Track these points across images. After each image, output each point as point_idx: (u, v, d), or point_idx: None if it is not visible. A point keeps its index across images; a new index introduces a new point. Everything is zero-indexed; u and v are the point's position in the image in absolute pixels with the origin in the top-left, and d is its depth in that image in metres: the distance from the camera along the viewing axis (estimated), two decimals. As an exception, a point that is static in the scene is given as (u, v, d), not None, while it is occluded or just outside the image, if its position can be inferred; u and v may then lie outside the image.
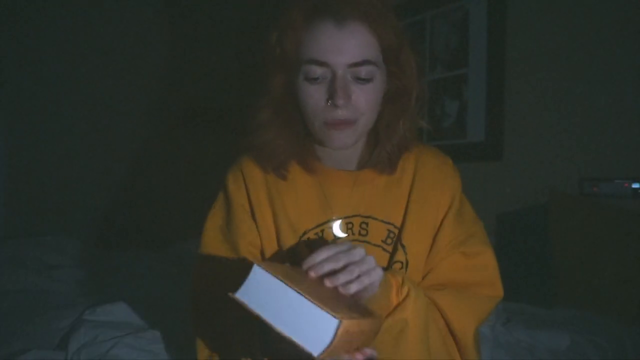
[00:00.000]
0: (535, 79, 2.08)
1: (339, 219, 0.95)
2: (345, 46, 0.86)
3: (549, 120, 2.03)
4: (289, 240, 0.93)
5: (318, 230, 0.94)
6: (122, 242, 2.89)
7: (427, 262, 0.95)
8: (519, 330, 1.40)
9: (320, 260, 0.72)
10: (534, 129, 2.07)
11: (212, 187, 1.07)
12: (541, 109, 2.06)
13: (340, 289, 0.71)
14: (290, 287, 0.64)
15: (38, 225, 2.74)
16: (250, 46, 3.03)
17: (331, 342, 0.61)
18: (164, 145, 3.19)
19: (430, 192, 0.96)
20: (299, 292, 0.64)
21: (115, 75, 3.03)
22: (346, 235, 0.95)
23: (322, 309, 0.62)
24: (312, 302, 0.62)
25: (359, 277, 0.72)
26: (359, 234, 0.95)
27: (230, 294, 0.64)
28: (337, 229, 0.95)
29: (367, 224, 0.94)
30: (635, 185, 1.78)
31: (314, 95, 0.88)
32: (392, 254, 0.94)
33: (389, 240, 0.95)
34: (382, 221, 0.95)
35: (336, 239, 0.94)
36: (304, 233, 0.94)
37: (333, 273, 0.72)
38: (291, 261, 0.87)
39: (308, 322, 0.62)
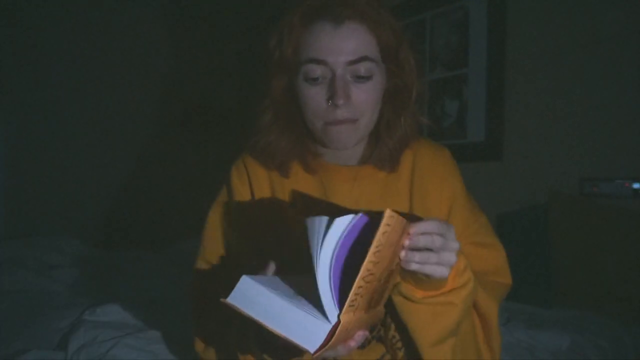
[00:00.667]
0: (535, 79, 2.08)
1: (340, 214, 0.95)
2: (344, 45, 0.86)
3: (549, 120, 2.03)
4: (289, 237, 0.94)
5: None
6: (122, 242, 2.89)
7: None
8: (519, 330, 1.40)
9: (422, 232, 0.70)
10: (534, 129, 2.07)
11: (212, 187, 1.08)
12: (541, 109, 2.06)
13: (402, 263, 0.70)
14: (281, 293, 0.64)
15: (38, 225, 2.74)
16: (250, 47, 3.05)
17: (329, 341, 0.61)
18: (164, 146, 3.19)
19: (430, 185, 0.97)
20: (294, 296, 0.64)
21: (115, 75, 3.04)
22: None
23: (315, 317, 0.62)
24: (304, 311, 0.62)
25: (435, 264, 0.71)
26: None
27: (222, 299, 0.64)
28: None
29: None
30: (635, 185, 1.78)
31: (315, 96, 0.89)
32: None
33: None
34: None
35: None
36: None
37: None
38: (288, 253, 0.87)
39: (305, 322, 0.62)
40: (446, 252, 0.71)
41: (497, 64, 2.18)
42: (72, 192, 2.88)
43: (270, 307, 0.63)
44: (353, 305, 0.63)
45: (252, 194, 0.98)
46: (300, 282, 0.70)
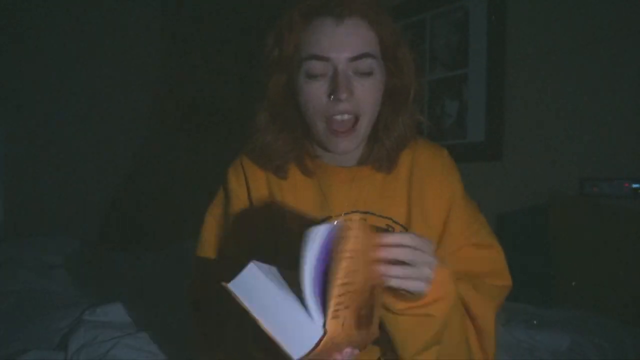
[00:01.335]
0: (535, 79, 2.08)
1: (338, 216, 0.95)
2: (346, 41, 0.87)
3: (549, 120, 2.03)
4: (287, 238, 0.94)
5: None
6: (122, 242, 2.89)
7: (438, 251, 0.95)
8: (519, 330, 1.40)
9: (395, 244, 0.70)
10: (534, 129, 2.07)
11: (211, 187, 1.08)
12: (541, 109, 2.06)
13: (382, 277, 0.70)
14: (282, 289, 0.64)
15: (38, 225, 2.74)
16: (248, 48, 3.04)
17: (313, 349, 0.61)
18: (163, 146, 3.19)
19: (428, 185, 0.97)
20: (290, 295, 0.63)
21: (115, 76, 3.03)
22: None
23: (310, 317, 0.62)
24: (301, 308, 0.62)
25: (411, 278, 0.71)
26: None
27: (224, 283, 0.64)
28: None
29: (365, 219, 0.94)
30: (635, 185, 1.78)
31: (316, 92, 0.88)
32: None
33: None
34: (381, 216, 0.95)
35: None
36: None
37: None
38: (286, 255, 0.87)
39: (295, 325, 0.62)
40: (424, 267, 0.72)
41: (497, 64, 2.18)
42: (72, 192, 2.88)
43: (270, 300, 0.63)
44: (338, 317, 0.62)
45: (249, 194, 0.98)
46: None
